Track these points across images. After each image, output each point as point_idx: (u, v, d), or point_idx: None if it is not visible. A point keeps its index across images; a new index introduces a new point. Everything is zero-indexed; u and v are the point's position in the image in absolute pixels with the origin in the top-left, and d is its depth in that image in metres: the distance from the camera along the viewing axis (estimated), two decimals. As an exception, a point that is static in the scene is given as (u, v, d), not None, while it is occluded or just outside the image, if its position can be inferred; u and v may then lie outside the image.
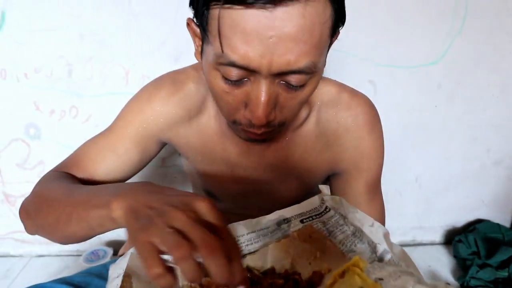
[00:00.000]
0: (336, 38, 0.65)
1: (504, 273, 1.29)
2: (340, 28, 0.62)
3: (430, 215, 1.58)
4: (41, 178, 0.74)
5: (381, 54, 1.32)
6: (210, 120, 0.80)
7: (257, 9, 0.51)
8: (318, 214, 0.70)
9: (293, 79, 0.56)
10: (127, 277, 0.58)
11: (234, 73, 0.55)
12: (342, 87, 0.80)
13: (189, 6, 0.59)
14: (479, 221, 1.58)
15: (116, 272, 0.60)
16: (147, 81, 0.87)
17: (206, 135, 0.81)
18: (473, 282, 1.31)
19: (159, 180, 1.42)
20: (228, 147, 0.80)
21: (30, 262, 1.52)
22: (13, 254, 1.53)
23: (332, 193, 0.89)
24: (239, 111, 0.61)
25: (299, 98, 0.61)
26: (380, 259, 0.59)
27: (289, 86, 0.58)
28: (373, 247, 0.61)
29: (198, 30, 0.61)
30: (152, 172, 1.41)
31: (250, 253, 0.69)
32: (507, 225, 1.61)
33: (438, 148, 1.48)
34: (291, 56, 0.53)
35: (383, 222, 0.87)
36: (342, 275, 0.57)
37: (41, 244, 1.56)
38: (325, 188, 0.69)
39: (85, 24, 1.21)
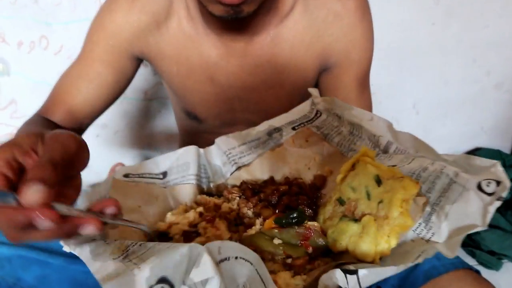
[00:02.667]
0: None
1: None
2: None
3: (429, 144, 1.53)
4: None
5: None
6: (181, 23, 0.74)
7: None
8: (309, 120, 0.66)
9: None
10: None
11: None
12: None
13: None
14: (478, 150, 1.54)
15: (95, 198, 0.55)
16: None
17: (178, 41, 0.75)
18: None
19: (142, 115, 1.35)
20: (205, 51, 0.74)
21: None
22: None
23: (321, 93, 0.86)
24: None
25: None
26: (385, 151, 0.55)
27: None
28: (375, 141, 0.57)
29: None
30: (134, 106, 1.33)
31: (244, 165, 0.66)
32: (508, 152, 1.57)
33: (435, 71, 1.42)
34: None
35: None
36: (352, 168, 0.54)
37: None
38: (314, 91, 0.66)
39: None
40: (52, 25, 1.18)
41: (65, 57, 1.22)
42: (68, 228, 0.38)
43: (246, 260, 0.38)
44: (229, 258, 0.37)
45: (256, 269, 0.38)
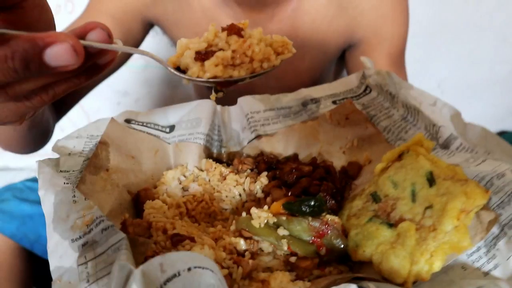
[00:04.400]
0: None
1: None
2: None
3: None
4: None
5: None
6: None
7: None
8: (355, 96, 0.56)
9: None
10: (104, 144, 0.48)
11: None
12: None
13: None
14: (503, 133, 1.49)
15: (85, 134, 0.48)
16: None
17: (197, 12, 0.72)
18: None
19: (163, 83, 1.34)
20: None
21: None
22: None
23: (348, 72, 0.80)
24: None
25: None
26: (445, 146, 0.46)
27: None
28: (434, 131, 0.48)
29: None
30: (155, 74, 1.33)
31: (267, 135, 0.57)
32: (535, 137, 1.52)
33: (464, 49, 1.36)
34: None
35: None
36: (399, 158, 0.43)
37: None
38: (367, 61, 0.56)
39: None
40: (78, -13, 1.18)
41: (90, 22, 1.23)
42: (24, 47, 0.26)
43: (203, 268, 0.29)
44: (179, 273, 0.28)
45: (219, 279, 0.30)
